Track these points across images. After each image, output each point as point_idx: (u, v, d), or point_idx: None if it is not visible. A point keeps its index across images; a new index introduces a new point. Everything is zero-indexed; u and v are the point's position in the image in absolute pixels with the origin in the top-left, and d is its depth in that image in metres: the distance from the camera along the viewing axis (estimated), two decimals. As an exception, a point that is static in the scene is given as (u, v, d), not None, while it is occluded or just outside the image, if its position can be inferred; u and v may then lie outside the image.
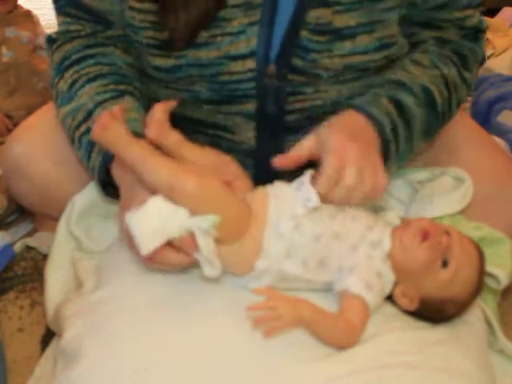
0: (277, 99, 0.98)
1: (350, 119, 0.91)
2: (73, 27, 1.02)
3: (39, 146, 1.05)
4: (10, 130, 1.59)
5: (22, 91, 1.71)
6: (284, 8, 0.94)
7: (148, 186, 0.83)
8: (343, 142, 0.85)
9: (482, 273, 0.89)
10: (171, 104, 0.92)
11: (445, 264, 0.86)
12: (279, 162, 0.87)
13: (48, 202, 1.10)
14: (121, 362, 0.80)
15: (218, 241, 0.81)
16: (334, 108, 0.99)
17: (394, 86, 0.98)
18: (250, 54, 0.94)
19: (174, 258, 0.83)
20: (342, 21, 0.93)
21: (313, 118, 1.00)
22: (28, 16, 1.79)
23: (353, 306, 0.82)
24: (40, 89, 1.74)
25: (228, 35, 0.93)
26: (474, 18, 1.05)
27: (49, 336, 1.07)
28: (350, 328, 0.81)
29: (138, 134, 0.88)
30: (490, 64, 1.92)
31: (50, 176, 1.05)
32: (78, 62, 1.00)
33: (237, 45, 0.94)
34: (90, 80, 0.98)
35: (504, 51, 2.00)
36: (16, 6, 1.77)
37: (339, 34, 0.94)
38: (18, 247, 1.28)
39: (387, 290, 0.87)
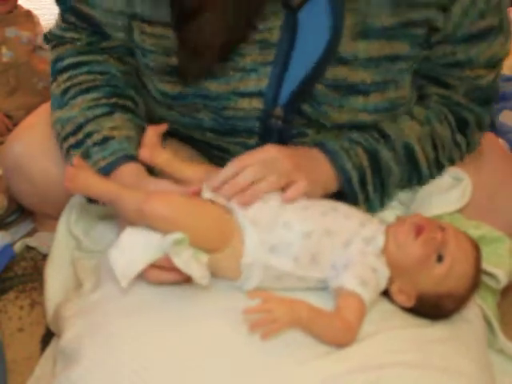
0: (279, 139, 0.98)
1: (311, 155, 0.93)
2: (68, 34, 1.02)
3: (39, 145, 1.05)
4: (10, 130, 1.59)
5: (22, 91, 1.71)
6: (301, 55, 0.93)
7: (124, 217, 0.86)
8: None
9: (478, 267, 0.89)
10: (163, 127, 0.96)
11: (440, 259, 0.86)
12: None
13: (48, 201, 1.10)
14: (121, 362, 0.80)
15: (208, 250, 0.83)
16: (334, 138, 0.99)
17: (377, 135, 0.97)
18: (259, 94, 0.94)
19: (166, 277, 0.84)
20: (358, 76, 0.93)
21: None
22: (28, 16, 1.79)
23: (349, 303, 0.83)
24: (40, 89, 1.74)
25: (239, 71, 0.93)
26: (487, 77, 1.01)
27: (49, 336, 1.07)
28: (346, 326, 0.81)
29: (129, 157, 0.91)
30: (490, 64, 1.91)
31: (50, 175, 1.05)
32: (71, 67, 1.00)
33: (247, 82, 0.93)
34: (83, 92, 0.98)
35: (504, 51, 1.99)
36: (16, 6, 1.77)
37: (354, 89, 0.94)
38: (17, 247, 1.28)
39: (382, 285, 0.87)
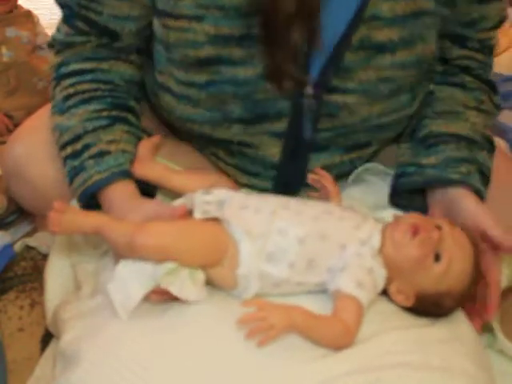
0: (311, 119, 0.98)
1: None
2: (79, 39, 1.01)
3: (39, 147, 1.05)
4: (10, 130, 1.59)
5: (21, 91, 1.71)
6: (323, 29, 0.91)
7: (115, 250, 0.87)
8: None
9: (476, 264, 0.89)
10: (156, 139, 0.97)
11: (437, 258, 0.86)
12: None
13: (47, 203, 1.10)
14: (120, 364, 0.80)
15: (205, 267, 0.84)
16: (362, 126, 1.00)
17: (465, 143, 1.00)
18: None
19: (166, 298, 0.84)
20: (384, 35, 0.93)
21: (341, 136, 1.01)
22: (28, 16, 1.79)
23: (346, 305, 0.82)
24: (40, 89, 1.74)
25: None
26: (494, 39, 1.08)
27: (49, 336, 1.07)
28: (344, 329, 0.81)
29: (123, 173, 0.92)
30: (490, 64, 1.92)
31: (50, 178, 1.05)
32: (75, 74, 1.00)
33: None
34: (85, 101, 0.98)
35: (504, 51, 1.99)
36: (16, 6, 1.78)
37: (380, 48, 0.94)
38: (17, 247, 1.28)
39: (380, 285, 0.86)
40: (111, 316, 0.84)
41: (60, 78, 1.01)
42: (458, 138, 1.00)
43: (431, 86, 1.07)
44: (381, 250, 0.87)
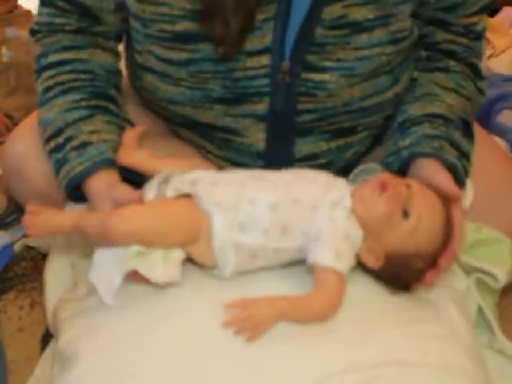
0: (289, 97, 0.98)
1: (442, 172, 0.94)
2: (58, 20, 1.01)
3: (39, 146, 1.05)
4: (10, 130, 1.59)
5: (21, 91, 1.71)
6: (299, 3, 0.93)
7: (93, 243, 0.88)
8: None
9: (446, 224, 0.88)
10: (141, 128, 0.97)
11: (406, 215, 0.85)
12: None
13: (47, 202, 1.10)
14: (118, 363, 0.80)
15: (183, 245, 0.85)
16: (344, 109, 1.00)
17: (442, 121, 0.99)
18: (265, 50, 0.95)
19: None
20: (360, 14, 0.94)
21: (323, 120, 1.01)
22: (28, 16, 1.79)
23: (326, 277, 0.82)
24: (40, 89, 1.74)
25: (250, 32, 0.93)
26: (480, 24, 1.06)
27: (49, 336, 1.07)
28: (328, 300, 0.82)
29: (105, 161, 0.92)
30: (490, 64, 1.92)
31: (49, 177, 1.05)
32: (55, 65, 1.00)
33: (252, 41, 0.94)
34: (64, 92, 0.98)
35: (504, 51, 2.00)
36: (16, 6, 1.77)
37: (357, 27, 0.95)
38: (17, 247, 1.28)
39: (358, 245, 0.86)
40: (107, 315, 0.85)
41: (40, 70, 1.01)
42: (433, 116, 1.00)
43: (415, 74, 1.07)
44: (352, 210, 0.86)
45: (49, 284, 1.04)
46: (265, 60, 0.95)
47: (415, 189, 0.87)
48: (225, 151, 1.06)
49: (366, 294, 0.89)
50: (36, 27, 1.04)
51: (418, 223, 0.85)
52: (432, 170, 0.94)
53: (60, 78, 0.99)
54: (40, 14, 1.04)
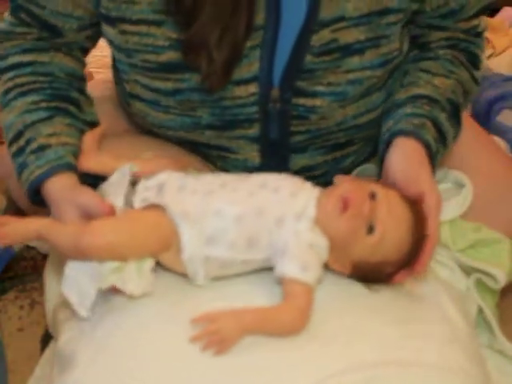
0: (281, 123, 0.97)
1: (414, 152, 0.93)
2: (19, 29, 1.00)
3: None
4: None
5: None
6: (286, 30, 0.92)
7: (60, 253, 0.88)
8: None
9: (415, 229, 0.86)
10: (99, 130, 0.97)
11: (370, 229, 0.84)
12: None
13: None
14: (117, 365, 0.80)
15: (154, 254, 0.85)
16: (338, 128, 1.00)
17: (426, 101, 0.98)
18: (253, 79, 0.93)
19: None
20: (351, 36, 0.93)
21: (318, 138, 1.01)
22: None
23: (294, 290, 0.82)
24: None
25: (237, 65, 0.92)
26: (479, 27, 1.06)
27: (49, 336, 1.07)
28: (297, 314, 0.81)
29: (63, 165, 0.91)
30: (490, 64, 1.92)
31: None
32: (14, 67, 0.99)
33: (240, 69, 0.92)
34: (23, 94, 0.97)
35: (504, 51, 1.99)
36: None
37: (348, 50, 0.93)
38: (17, 247, 1.28)
39: (324, 255, 0.85)
40: (107, 317, 0.84)
41: (0, 72, 1.00)
42: (417, 97, 0.99)
43: (406, 66, 1.05)
44: (316, 220, 0.85)
45: (49, 284, 1.04)
46: (253, 88, 0.94)
47: (380, 198, 0.85)
48: (221, 164, 1.06)
49: (363, 292, 0.89)
50: None
51: (383, 237, 0.84)
52: (408, 163, 0.92)
53: (19, 80, 0.98)
54: (3, 21, 1.03)
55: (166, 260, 0.86)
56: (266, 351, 0.79)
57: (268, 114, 0.97)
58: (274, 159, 1.02)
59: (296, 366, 0.79)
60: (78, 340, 0.85)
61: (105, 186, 0.92)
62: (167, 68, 0.94)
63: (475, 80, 1.06)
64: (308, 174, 1.03)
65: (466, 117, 1.16)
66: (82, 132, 0.97)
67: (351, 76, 0.95)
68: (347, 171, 1.09)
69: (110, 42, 0.98)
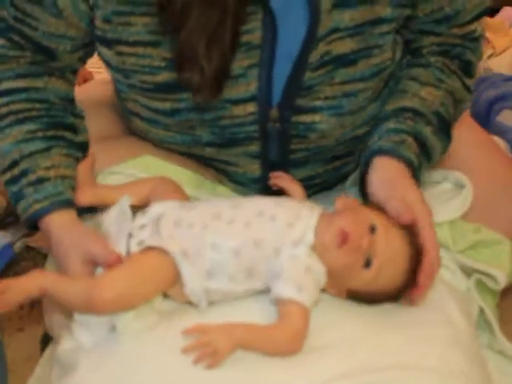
0: (281, 142, 0.98)
1: (395, 173, 0.92)
2: (12, 53, 0.98)
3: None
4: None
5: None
6: (284, 49, 0.92)
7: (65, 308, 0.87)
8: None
9: (411, 267, 0.85)
10: (90, 158, 0.97)
11: (367, 263, 0.84)
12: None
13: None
14: (117, 368, 0.80)
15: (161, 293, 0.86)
16: (338, 143, 1.00)
17: (411, 115, 0.96)
18: (251, 98, 0.93)
19: None
20: (345, 47, 0.92)
21: (318, 154, 1.01)
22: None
23: (290, 311, 0.81)
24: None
25: (228, 78, 0.91)
26: (477, 32, 1.03)
27: (49, 336, 1.07)
28: (292, 334, 0.80)
29: (63, 202, 0.90)
30: (490, 64, 1.92)
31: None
32: (9, 93, 0.97)
33: (237, 88, 0.92)
34: (19, 122, 0.95)
35: (504, 51, 2.00)
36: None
37: (341, 61, 0.93)
38: (17, 247, 1.29)
39: (322, 281, 0.85)
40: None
41: None
42: (402, 110, 0.97)
43: (399, 73, 1.03)
44: (315, 247, 0.85)
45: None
46: (251, 108, 0.94)
47: (380, 232, 0.84)
48: (222, 175, 1.06)
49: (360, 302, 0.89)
50: None
51: (379, 272, 0.84)
52: (389, 185, 0.91)
53: (14, 107, 0.96)
54: None
55: (170, 293, 0.87)
56: (263, 362, 0.79)
57: (267, 134, 0.97)
58: (275, 171, 1.01)
59: (295, 374, 0.78)
60: (80, 348, 0.84)
61: (105, 223, 0.91)
62: (164, 88, 0.93)
63: (467, 88, 1.04)
64: (308, 183, 1.03)
65: (466, 117, 1.16)
66: (77, 160, 0.97)
67: (346, 88, 0.94)
68: (348, 175, 1.08)
69: (107, 63, 0.97)
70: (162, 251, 0.85)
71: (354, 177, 1.06)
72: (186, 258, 0.84)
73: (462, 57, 1.03)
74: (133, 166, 1.02)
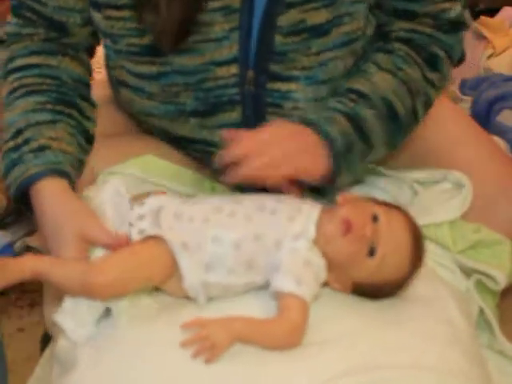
0: (257, 107, 0.98)
1: (302, 134, 0.92)
2: (25, 31, 1.01)
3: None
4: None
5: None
6: (258, 13, 0.94)
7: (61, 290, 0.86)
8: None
9: (415, 254, 0.87)
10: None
11: (372, 252, 0.84)
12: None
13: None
14: (116, 366, 0.80)
15: (159, 284, 0.86)
16: None
17: (354, 96, 0.97)
18: (233, 60, 0.95)
19: None
20: (319, 17, 0.94)
21: None
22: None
23: (289, 304, 0.81)
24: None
25: (211, 41, 0.94)
26: (452, 11, 1.01)
27: (49, 336, 1.07)
28: (291, 328, 0.80)
29: (59, 172, 0.90)
30: (490, 64, 1.92)
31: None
32: (22, 68, 0.99)
33: (220, 51, 0.95)
34: (29, 93, 0.97)
35: (504, 51, 2.00)
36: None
37: (316, 31, 0.95)
38: (17, 247, 1.29)
39: (321, 276, 0.85)
40: (106, 319, 0.85)
41: (6, 73, 1.00)
42: (349, 90, 0.98)
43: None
44: (316, 241, 0.85)
45: (46, 286, 1.04)
46: (233, 69, 0.96)
47: (382, 221, 0.85)
48: (207, 161, 1.05)
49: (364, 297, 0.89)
50: (4, 37, 1.03)
51: (384, 259, 0.84)
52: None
53: (26, 81, 0.98)
54: (8, 23, 1.03)
55: (167, 287, 0.86)
56: (263, 356, 0.79)
57: (246, 97, 0.98)
58: None
59: (296, 368, 0.79)
60: (77, 345, 0.84)
61: (96, 199, 0.91)
62: (151, 51, 0.95)
63: (428, 81, 1.02)
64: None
65: (466, 116, 1.17)
66: (80, 147, 0.97)
67: (320, 58, 0.96)
68: None
69: (97, 28, 1.00)
70: (161, 240, 0.85)
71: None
72: (186, 250, 0.84)
73: (427, 48, 1.02)
74: (133, 166, 1.02)
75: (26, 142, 0.93)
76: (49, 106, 0.96)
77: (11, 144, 0.94)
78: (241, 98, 0.98)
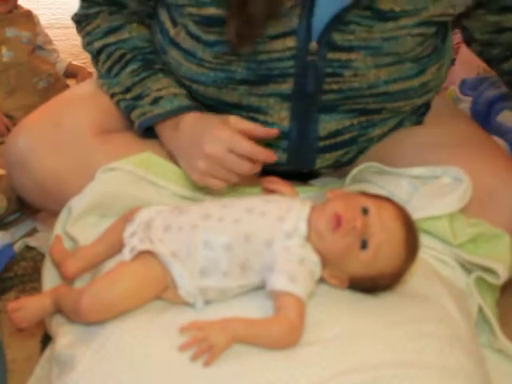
0: (315, 77, 0.99)
1: None
2: (92, 10, 1.11)
3: (42, 140, 1.06)
4: (9, 130, 1.59)
5: (21, 91, 1.71)
6: None
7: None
8: None
9: (409, 244, 0.87)
10: (59, 241, 1.01)
11: (364, 245, 0.84)
12: None
13: (50, 197, 1.10)
14: (115, 367, 0.80)
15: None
16: (370, 91, 1.01)
17: None
18: (291, 33, 0.96)
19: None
20: (387, 5, 0.94)
21: (349, 99, 1.02)
22: (28, 16, 1.79)
23: (285, 303, 0.81)
24: (40, 89, 1.74)
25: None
26: None
27: (49, 336, 1.06)
28: (288, 326, 0.80)
29: (185, 107, 1.02)
30: (490, 64, 1.91)
31: (52, 171, 1.06)
32: (103, 50, 1.10)
33: (277, 27, 0.95)
34: (123, 67, 1.07)
35: (504, 51, 1.99)
36: (16, 6, 1.78)
37: (383, 16, 0.95)
38: (17, 247, 1.28)
39: (316, 272, 0.86)
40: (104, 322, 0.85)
41: (94, 57, 1.12)
42: None
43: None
44: (309, 238, 0.86)
45: (46, 286, 1.04)
46: (290, 42, 0.96)
47: (373, 213, 0.85)
48: None
49: (365, 294, 0.90)
50: (76, 18, 1.14)
51: (377, 252, 0.84)
52: None
53: (114, 57, 1.09)
54: (78, 7, 1.14)
55: (166, 296, 0.87)
56: (263, 355, 0.79)
57: (304, 69, 0.98)
58: (303, 122, 1.03)
59: (296, 367, 0.78)
60: (78, 343, 0.85)
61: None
62: (208, 21, 0.97)
63: None
64: (335, 140, 1.05)
65: (466, 116, 1.17)
66: (178, 88, 1.06)
67: (386, 35, 0.97)
68: (370, 145, 1.11)
69: None
70: (151, 255, 0.85)
71: (352, 175, 1.06)
72: (177, 259, 0.84)
73: None
74: (132, 163, 1.03)
75: (138, 97, 1.05)
76: (144, 68, 1.06)
77: (121, 97, 1.08)
78: (296, 70, 0.98)
